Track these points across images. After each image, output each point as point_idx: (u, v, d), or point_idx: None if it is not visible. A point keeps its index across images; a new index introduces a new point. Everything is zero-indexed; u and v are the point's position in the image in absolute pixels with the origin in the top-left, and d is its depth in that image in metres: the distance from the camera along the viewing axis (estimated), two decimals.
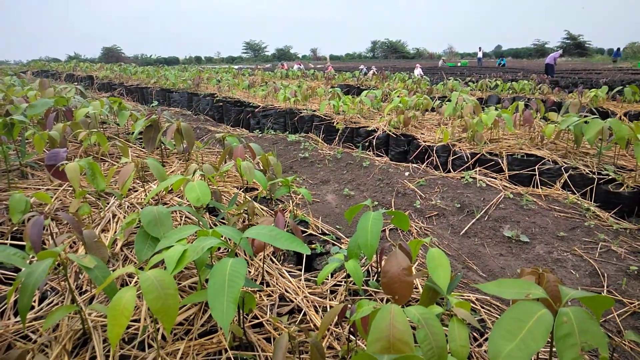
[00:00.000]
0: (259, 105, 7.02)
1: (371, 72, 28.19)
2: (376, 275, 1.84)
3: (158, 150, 3.25)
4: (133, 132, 3.63)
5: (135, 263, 1.71)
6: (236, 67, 42.23)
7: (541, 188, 3.66)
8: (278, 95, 6.94)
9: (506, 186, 3.74)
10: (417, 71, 25.41)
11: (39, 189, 2.42)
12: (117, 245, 1.79)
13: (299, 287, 1.69)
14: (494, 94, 8.64)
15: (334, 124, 5.63)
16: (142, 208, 2.20)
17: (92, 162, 1.97)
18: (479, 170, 4.04)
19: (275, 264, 1.90)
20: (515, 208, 3.36)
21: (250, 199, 2.52)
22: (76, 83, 13.22)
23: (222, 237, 1.40)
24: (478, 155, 4.19)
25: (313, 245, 2.17)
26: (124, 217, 2.05)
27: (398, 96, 6.38)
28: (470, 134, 4.45)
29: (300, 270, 1.88)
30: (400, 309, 1.00)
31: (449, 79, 11.23)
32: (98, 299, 1.51)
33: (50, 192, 2.35)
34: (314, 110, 6.32)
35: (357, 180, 4.23)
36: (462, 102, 5.09)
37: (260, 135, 5.97)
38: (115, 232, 1.92)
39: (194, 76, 9.31)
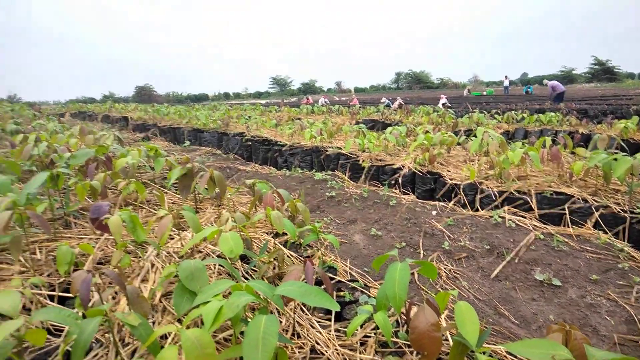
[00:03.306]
0: (286, 144, 7.20)
1: (396, 103, 28.34)
2: (405, 326, 1.86)
3: (191, 195, 3.39)
4: (167, 177, 3.81)
5: (174, 315, 1.79)
6: (263, 102, 43.41)
7: (572, 227, 3.61)
8: (304, 133, 7.11)
9: (536, 226, 3.70)
10: (442, 101, 25.42)
11: (82, 238, 2.56)
12: (156, 296, 1.88)
13: (329, 339, 1.73)
14: (521, 127, 8.60)
15: (360, 161, 5.72)
16: (178, 257, 2.31)
17: (133, 215, 2.10)
18: (508, 209, 4.03)
19: (306, 314, 1.95)
20: (546, 249, 3.32)
21: (280, 245, 2.60)
22: (111, 124, 13.87)
23: (254, 291, 1.47)
24: (506, 194, 4.18)
25: (342, 293, 2.22)
26: (162, 267, 2.16)
27: (423, 132, 6.45)
28: (497, 172, 4.45)
29: (330, 320, 1.92)
30: None
31: (474, 111, 11.25)
32: (139, 352, 1.59)
33: (92, 241, 2.49)
34: (340, 148, 6.44)
35: (384, 220, 4.26)
36: (487, 139, 5.11)
37: (288, 174, 6.10)
38: (154, 282, 2.02)
39: (223, 116, 9.65)
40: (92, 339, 1.67)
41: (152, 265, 2.18)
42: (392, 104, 28.96)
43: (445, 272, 3.17)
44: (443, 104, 24.79)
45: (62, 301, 1.96)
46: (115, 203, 3.11)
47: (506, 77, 37.01)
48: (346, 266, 3.02)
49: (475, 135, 5.55)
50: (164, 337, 1.67)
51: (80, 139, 5.19)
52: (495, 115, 9.85)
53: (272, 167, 7.09)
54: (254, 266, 2.30)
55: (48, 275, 2.12)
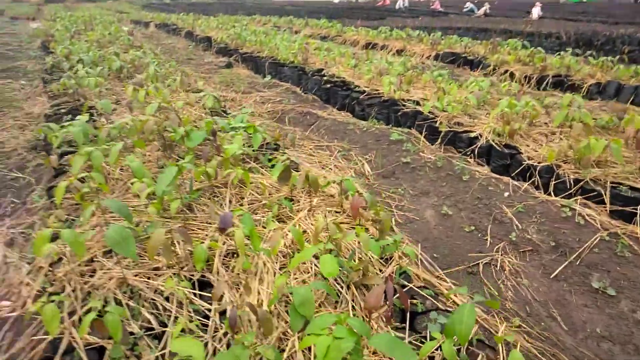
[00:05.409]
0: (364, 91, 7.37)
1: (482, 9, 26.11)
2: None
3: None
4: (258, 150, 4.30)
5: (286, 322, 2.37)
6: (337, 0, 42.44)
7: None
8: (383, 80, 7.20)
9: (604, 223, 3.85)
10: (536, 10, 23.05)
11: (207, 226, 3.18)
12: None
13: None
14: (614, 80, 7.93)
15: (437, 124, 5.85)
16: (282, 256, 2.85)
17: (251, 229, 2.62)
18: (580, 201, 4.15)
19: (384, 325, 2.46)
20: (609, 254, 3.53)
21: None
22: (195, 43, 14.45)
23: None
24: (582, 183, 4.26)
25: (415, 301, 2.69)
26: (272, 267, 2.72)
27: (506, 97, 6.34)
28: (577, 157, 4.49)
29: (404, 332, 2.43)
30: None
31: (567, 49, 10.44)
32: None
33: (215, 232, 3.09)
34: (418, 103, 6.55)
35: (455, 197, 4.56)
36: (573, 114, 5.01)
37: (365, 128, 6.39)
38: (268, 284, 2.60)
39: (302, 47, 9.81)
40: None
41: (264, 264, 2.75)
42: (477, 9, 26.74)
43: (509, 266, 3.52)
44: (537, 15, 22.42)
45: (201, 297, 2.59)
46: (226, 184, 3.67)
47: None
48: (417, 250, 3.48)
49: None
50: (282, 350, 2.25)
51: (181, 89, 5.78)
52: (590, 58, 9.14)
53: (349, 113, 7.38)
54: (342, 269, 2.80)
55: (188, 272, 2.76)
